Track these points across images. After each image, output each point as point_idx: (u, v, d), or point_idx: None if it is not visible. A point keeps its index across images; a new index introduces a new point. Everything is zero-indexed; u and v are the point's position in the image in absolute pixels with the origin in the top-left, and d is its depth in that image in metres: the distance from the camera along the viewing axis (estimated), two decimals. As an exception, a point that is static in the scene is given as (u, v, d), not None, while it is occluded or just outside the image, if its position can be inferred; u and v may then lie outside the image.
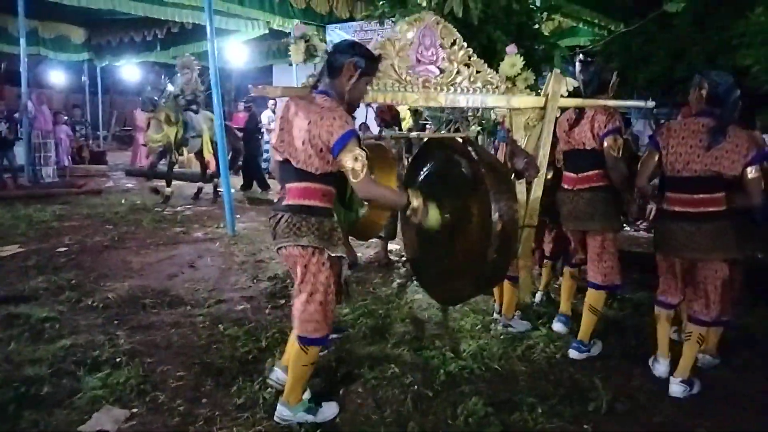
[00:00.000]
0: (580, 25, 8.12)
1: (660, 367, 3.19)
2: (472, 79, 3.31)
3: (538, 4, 4.42)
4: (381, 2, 4.51)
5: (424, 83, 3.19)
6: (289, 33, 11.62)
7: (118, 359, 3.19)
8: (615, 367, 3.32)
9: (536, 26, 4.44)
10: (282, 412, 2.60)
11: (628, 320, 4.05)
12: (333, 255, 2.44)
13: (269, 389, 2.88)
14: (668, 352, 3.21)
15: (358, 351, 3.40)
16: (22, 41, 9.51)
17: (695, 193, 2.88)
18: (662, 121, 6.30)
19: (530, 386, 3.04)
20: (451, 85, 3.26)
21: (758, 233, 4.49)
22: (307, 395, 2.70)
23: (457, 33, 3.26)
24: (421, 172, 3.26)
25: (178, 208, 8.07)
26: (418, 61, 3.16)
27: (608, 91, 3.44)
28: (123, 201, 8.40)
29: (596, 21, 7.40)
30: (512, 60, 3.31)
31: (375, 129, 5.09)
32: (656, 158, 3.00)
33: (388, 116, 5.32)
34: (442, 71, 3.24)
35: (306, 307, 2.45)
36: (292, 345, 2.67)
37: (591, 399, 2.89)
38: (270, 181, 9.87)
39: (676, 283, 3.12)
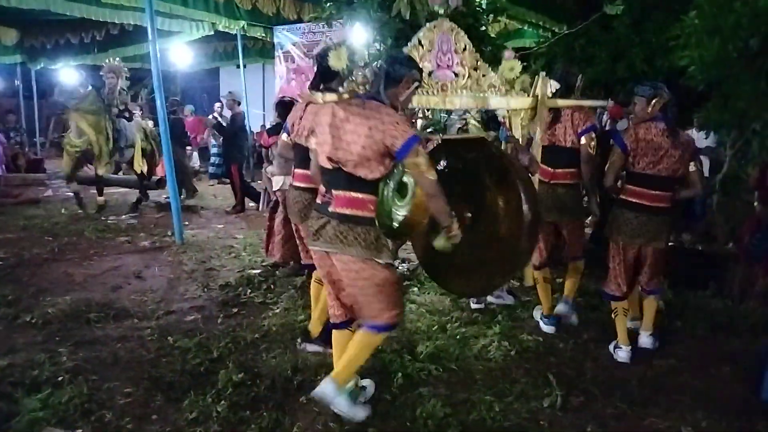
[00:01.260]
0: (526, 27, 8.33)
1: (622, 353, 3.45)
2: (479, 82, 3.42)
3: (484, 6, 4.49)
4: (328, 4, 4.47)
5: (442, 87, 3.29)
6: (235, 34, 11.44)
7: (60, 378, 3.02)
8: (567, 362, 3.40)
9: (483, 28, 4.51)
10: (327, 388, 2.54)
11: (581, 314, 4.14)
12: (381, 263, 2.49)
13: (222, 402, 2.79)
14: (628, 340, 3.48)
15: (314, 358, 3.34)
16: (-54, 43, 8.96)
17: (655, 189, 3.30)
18: (605, 119, 6.51)
19: (487, 385, 3.07)
20: (464, 88, 3.36)
21: (689, 225, 4.71)
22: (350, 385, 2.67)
23: (467, 39, 3.37)
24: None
25: (123, 217, 7.76)
26: (438, 65, 3.27)
27: (574, 93, 3.70)
28: (63, 210, 8.00)
29: (541, 23, 7.60)
30: (511, 64, 3.46)
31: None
32: (623, 159, 3.36)
33: None
34: (456, 75, 3.35)
35: (374, 303, 2.52)
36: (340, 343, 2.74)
37: (546, 395, 2.95)
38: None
39: (625, 273, 3.44)
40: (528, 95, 3.51)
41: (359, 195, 2.43)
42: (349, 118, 2.39)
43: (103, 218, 7.54)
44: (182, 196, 8.77)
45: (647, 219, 3.32)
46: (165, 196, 8.33)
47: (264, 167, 5.40)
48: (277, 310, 4.12)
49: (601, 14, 5.19)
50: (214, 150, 11.89)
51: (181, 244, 6.12)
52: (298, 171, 3.35)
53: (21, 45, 12.95)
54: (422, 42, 3.17)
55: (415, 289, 4.64)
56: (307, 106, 3.03)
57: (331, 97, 2.51)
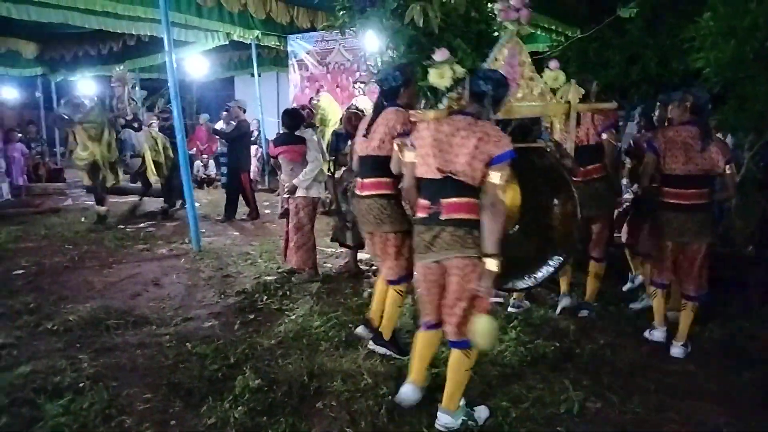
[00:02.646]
0: (538, 32, 8.29)
1: (657, 333, 3.73)
2: (534, 91, 3.50)
3: (496, 12, 4.48)
4: (341, 12, 4.50)
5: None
6: (250, 44, 11.56)
7: (81, 384, 3.07)
8: (584, 367, 3.37)
9: (495, 33, 4.50)
10: (444, 419, 2.68)
11: (597, 319, 4.11)
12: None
13: (240, 407, 2.82)
14: (664, 321, 3.74)
15: (330, 364, 3.36)
16: (-30, 57, 9.18)
17: (690, 188, 3.49)
18: (620, 123, 6.47)
19: (503, 391, 3.06)
20: (523, 98, 3.43)
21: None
22: (462, 401, 2.75)
23: (527, 53, 3.49)
24: None
25: (141, 225, 7.87)
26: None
27: (590, 98, 3.90)
28: (83, 219, 8.13)
29: (553, 27, 7.57)
30: (555, 74, 3.61)
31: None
32: (655, 162, 3.58)
33: (350, 126, 5.34)
34: (518, 86, 3.42)
35: (466, 314, 2.60)
36: (422, 352, 2.85)
37: (563, 401, 2.93)
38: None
39: (668, 267, 3.65)
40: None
41: (470, 200, 2.56)
42: (455, 132, 2.56)
43: (121, 226, 7.66)
44: (176, 207, 8.68)
45: (686, 217, 3.50)
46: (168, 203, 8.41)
47: (279, 175, 5.44)
48: (293, 317, 4.15)
49: (614, 17, 5.15)
50: (223, 159, 11.84)
51: (198, 251, 6.19)
52: (370, 180, 3.36)
53: (41, 57, 13.24)
54: (497, 57, 3.34)
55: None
56: (374, 117, 3.22)
57: (432, 114, 2.72)
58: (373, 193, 3.32)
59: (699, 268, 3.58)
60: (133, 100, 8.11)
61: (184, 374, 3.23)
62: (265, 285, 4.90)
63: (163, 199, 8.66)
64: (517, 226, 3.25)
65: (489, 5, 4.34)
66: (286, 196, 5.16)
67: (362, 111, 5.18)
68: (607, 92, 5.70)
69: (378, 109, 3.33)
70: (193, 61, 12.71)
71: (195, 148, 13.30)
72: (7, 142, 10.64)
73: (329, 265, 5.63)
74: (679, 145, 3.49)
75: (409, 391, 2.84)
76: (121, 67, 8.48)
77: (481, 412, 2.80)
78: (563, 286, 4.30)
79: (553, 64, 3.62)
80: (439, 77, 2.81)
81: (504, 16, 3.41)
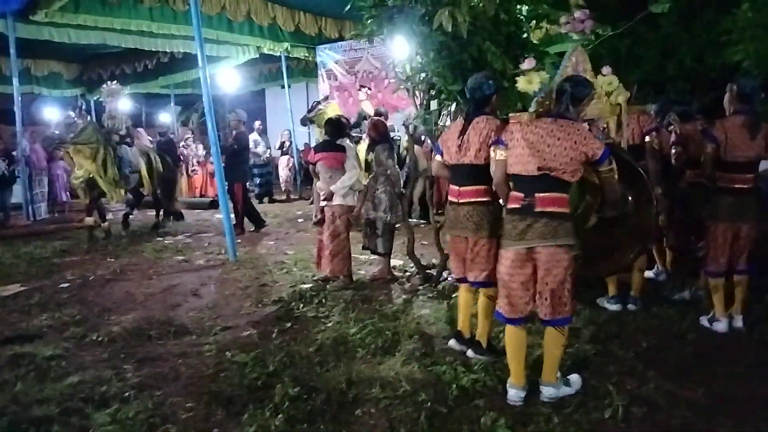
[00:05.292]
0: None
1: (720, 324, 3.83)
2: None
3: (525, 13, 4.45)
4: (369, 21, 4.53)
5: None
6: (280, 56, 11.74)
7: (126, 393, 3.15)
8: (628, 371, 3.29)
9: (525, 35, 4.47)
10: (548, 391, 2.95)
11: (640, 322, 4.01)
12: (576, 254, 2.94)
13: (280, 415, 2.84)
14: (725, 311, 3.84)
15: (368, 371, 3.36)
16: (15, 81, 9.57)
17: (745, 173, 3.71)
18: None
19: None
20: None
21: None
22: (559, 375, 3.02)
23: (588, 58, 3.78)
24: None
25: (179, 237, 8.05)
26: None
27: (631, 99, 4.04)
28: (123, 233, 8.38)
29: (584, 26, 7.45)
30: (609, 79, 3.82)
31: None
32: (716, 151, 3.71)
33: (375, 133, 5.38)
34: None
35: (562, 294, 2.88)
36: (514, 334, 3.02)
37: (607, 405, 2.85)
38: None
39: (725, 252, 3.81)
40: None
41: (563, 195, 2.85)
42: (549, 134, 2.83)
43: (159, 238, 7.84)
44: (162, 219, 8.78)
45: (743, 200, 3.74)
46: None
47: (314, 183, 5.49)
48: (329, 324, 4.17)
49: (646, 13, 5.05)
50: (255, 171, 11.96)
51: (235, 261, 6.30)
52: (468, 188, 3.40)
53: (80, 78, 13.75)
54: (567, 65, 3.63)
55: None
56: (465, 126, 3.36)
57: (526, 116, 2.99)
58: (473, 200, 3.39)
59: (749, 243, 3.83)
60: (126, 115, 8.08)
61: (224, 383, 3.28)
62: (301, 293, 4.95)
63: (158, 209, 8.71)
64: (594, 218, 3.49)
65: (518, 7, 4.32)
66: (322, 204, 5.22)
67: (370, 116, 5.34)
68: (642, 90, 5.58)
69: (468, 118, 3.40)
70: (225, 76, 12.99)
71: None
72: (51, 161, 11.05)
73: (363, 272, 5.65)
74: (735, 134, 3.66)
75: (513, 396, 2.97)
76: (114, 83, 8.43)
77: (575, 380, 3.05)
78: (611, 288, 4.31)
79: (606, 69, 3.85)
80: (527, 83, 3.04)
81: (570, 28, 3.70)
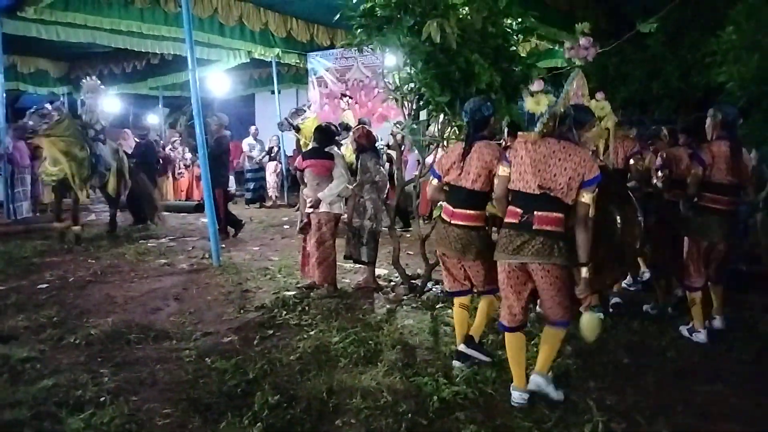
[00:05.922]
0: (557, 47, 8.28)
1: (701, 335, 3.97)
2: None
3: (514, 27, 4.50)
4: (359, 31, 4.55)
5: None
6: (270, 61, 11.74)
7: (102, 398, 3.09)
8: (608, 386, 3.30)
9: (513, 48, 4.51)
10: (536, 380, 3.07)
11: (620, 337, 4.04)
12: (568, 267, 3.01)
13: (259, 424, 2.81)
14: (704, 323, 4.00)
15: (349, 380, 3.34)
16: (0, 77, 9.44)
17: (728, 195, 3.92)
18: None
19: (525, 410, 2.99)
20: None
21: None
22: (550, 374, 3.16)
23: (586, 83, 3.88)
24: None
25: (162, 240, 7.97)
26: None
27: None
28: (106, 234, 8.27)
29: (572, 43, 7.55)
30: (602, 104, 4.04)
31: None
32: (702, 173, 3.89)
33: (365, 141, 5.39)
34: None
35: (561, 301, 3.02)
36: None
37: (587, 421, 2.86)
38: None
39: (701, 267, 4.00)
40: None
41: (560, 215, 2.93)
42: (552, 154, 2.93)
43: (142, 241, 7.75)
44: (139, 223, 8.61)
45: (723, 220, 3.93)
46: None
47: (300, 189, 5.47)
48: (312, 332, 4.14)
49: (634, 32, 5.14)
50: (249, 175, 11.99)
51: (218, 266, 6.24)
52: (462, 210, 3.44)
53: (68, 76, 13.61)
54: (569, 88, 3.66)
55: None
56: (467, 150, 3.42)
57: (528, 136, 3.04)
58: (464, 223, 3.43)
59: (723, 258, 4.06)
60: (104, 112, 7.85)
61: (203, 389, 3.24)
62: (284, 300, 4.91)
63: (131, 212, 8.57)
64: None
65: (506, 20, 4.36)
66: (308, 210, 5.20)
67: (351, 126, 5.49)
68: (627, 108, 5.66)
69: (469, 140, 3.46)
70: (215, 79, 12.94)
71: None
72: (34, 159, 10.89)
73: (347, 281, 5.63)
74: (721, 158, 3.86)
75: (517, 398, 3.06)
76: (93, 78, 8.22)
77: (560, 392, 3.12)
78: (593, 299, 4.36)
79: (600, 95, 4.00)
80: (535, 104, 3.10)
81: (573, 54, 3.80)
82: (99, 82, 8.11)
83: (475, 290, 3.66)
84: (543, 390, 3.07)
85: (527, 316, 3.17)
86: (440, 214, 3.60)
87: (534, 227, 2.92)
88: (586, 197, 2.91)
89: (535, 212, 2.92)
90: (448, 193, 3.56)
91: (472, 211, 3.43)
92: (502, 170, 3.14)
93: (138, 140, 10.20)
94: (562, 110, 3.06)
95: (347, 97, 10.13)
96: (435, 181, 3.61)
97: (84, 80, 8.09)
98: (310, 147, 5.54)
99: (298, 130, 8.58)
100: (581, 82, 3.83)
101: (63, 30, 9.07)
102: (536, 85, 3.19)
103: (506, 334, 3.14)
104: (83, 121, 7.53)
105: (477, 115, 3.43)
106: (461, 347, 3.57)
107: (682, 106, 5.96)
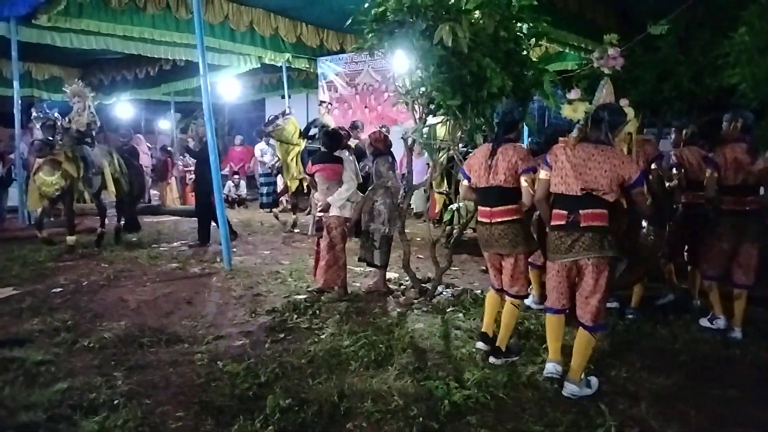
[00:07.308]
0: (567, 50, 8.26)
1: (720, 321, 4.19)
2: None
3: (525, 31, 4.49)
4: (370, 35, 4.56)
5: None
6: (281, 66, 11.80)
7: (115, 401, 3.12)
8: (621, 391, 3.28)
9: (524, 52, 4.50)
10: (571, 388, 3.17)
11: (633, 342, 4.01)
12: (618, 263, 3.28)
13: (270, 427, 2.82)
14: (723, 311, 4.19)
15: (359, 384, 3.34)
16: (16, 84, 9.58)
17: (746, 195, 4.02)
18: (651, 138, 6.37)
19: (537, 414, 2.98)
20: None
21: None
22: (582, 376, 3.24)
23: (613, 90, 3.93)
24: None
25: (174, 244, 8.02)
26: None
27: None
28: (131, 236, 8.34)
29: (582, 45, 7.53)
30: (626, 110, 3.94)
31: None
32: (717, 176, 4.02)
33: (382, 145, 5.39)
34: None
35: (600, 304, 3.16)
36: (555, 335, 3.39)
37: (599, 425, 2.84)
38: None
39: (721, 259, 4.14)
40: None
41: (604, 210, 3.12)
42: (590, 157, 3.13)
43: (154, 245, 7.81)
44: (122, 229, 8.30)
45: (744, 221, 4.03)
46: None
47: (311, 194, 5.50)
48: (323, 336, 4.15)
49: (645, 35, 5.11)
50: (262, 180, 11.96)
51: (230, 270, 6.27)
52: (500, 208, 3.61)
53: (82, 82, 13.70)
54: (599, 96, 3.84)
55: (461, 315, 4.60)
56: (494, 150, 3.58)
57: (569, 140, 3.24)
58: (506, 219, 3.60)
59: (750, 261, 4.09)
60: (93, 114, 7.76)
61: (215, 392, 3.25)
62: (295, 304, 4.93)
63: (117, 217, 8.31)
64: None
65: (518, 24, 4.35)
66: (320, 214, 5.22)
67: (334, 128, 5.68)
68: (639, 110, 5.63)
69: (496, 142, 3.63)
70: (226, 84, 13.02)
71: (228, 168, 13.54)
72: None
73: (358, 285, 5.64)
74: (736, 160, 3.96)
75: (552, 368, 3.32)
76: (77, 82, 8.18)
77: (594, 383, 3.25)
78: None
79: (624, 101, 4.05)
80: (573, 111, 3.29)
81: (603, 63, 3.91)
82: (83, 83, 8.06)
83: (516, 293, 3.71)
84: (579, 395, 3.16)
85: (571, 302, 3.31)
86: (479, 220, 3.74)
87: (582, 224, 3.11)
88: (637, 191, 3.14)
89: (580, 211, 3.11)
90: (482, 196, 3.69)
91: (510, 206, 3.58)
92: (541, 174, 3.32)
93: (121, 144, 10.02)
94: (595, 115, 3.23)
95: (326, 103, 10.32)
96: (465, 182, 3.78)
97: (67, 86, 7.98)
98: (320, 151, 5.54)
99: (270, 137, 8.70)
100: (609, 89, 3.95)
101: (76, 37, 9.19)
102: (573, 93, 3.32)
103: (549, 315, 3.37)
104: (67, 126, 7.39)
105: (508, 117, 3.59)
106: (491, 359, 3.65)
107: (694, 107, 5.92)
